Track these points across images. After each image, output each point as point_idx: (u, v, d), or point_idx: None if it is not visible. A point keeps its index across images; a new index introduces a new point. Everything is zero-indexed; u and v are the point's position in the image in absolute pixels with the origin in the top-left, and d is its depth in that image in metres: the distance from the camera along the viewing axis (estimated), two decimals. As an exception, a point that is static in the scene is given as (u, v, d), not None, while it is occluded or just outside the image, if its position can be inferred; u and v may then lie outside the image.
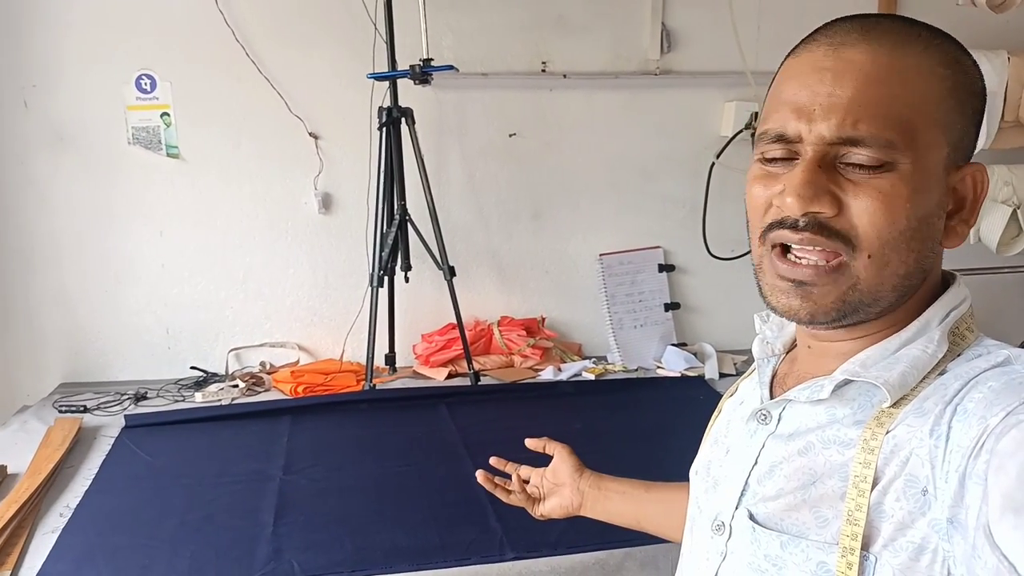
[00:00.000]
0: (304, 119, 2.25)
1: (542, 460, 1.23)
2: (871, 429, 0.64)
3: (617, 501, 1.12)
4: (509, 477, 1.22)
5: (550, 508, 1.16)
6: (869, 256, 0.63)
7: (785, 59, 0.70)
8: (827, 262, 0.64)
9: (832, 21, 0.68)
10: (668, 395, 2.22)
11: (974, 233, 2.46)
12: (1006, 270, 2.59)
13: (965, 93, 0.65)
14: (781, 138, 0.65)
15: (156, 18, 2.15)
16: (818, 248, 0.64)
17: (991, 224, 2.44)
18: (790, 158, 0.66)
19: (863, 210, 0.62)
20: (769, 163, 0.67)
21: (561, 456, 1.17)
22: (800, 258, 0.65)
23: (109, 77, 2.16)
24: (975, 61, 0.68)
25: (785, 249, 0.67)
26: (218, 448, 1.81)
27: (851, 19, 0.66)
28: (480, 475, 1.19)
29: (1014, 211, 2.40)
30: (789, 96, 0.65)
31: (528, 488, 1.19)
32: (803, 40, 0.69)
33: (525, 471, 1.24)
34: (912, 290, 0.67)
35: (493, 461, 1.24)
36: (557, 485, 1.17)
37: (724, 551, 0.74)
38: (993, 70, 2.33)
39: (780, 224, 0.66)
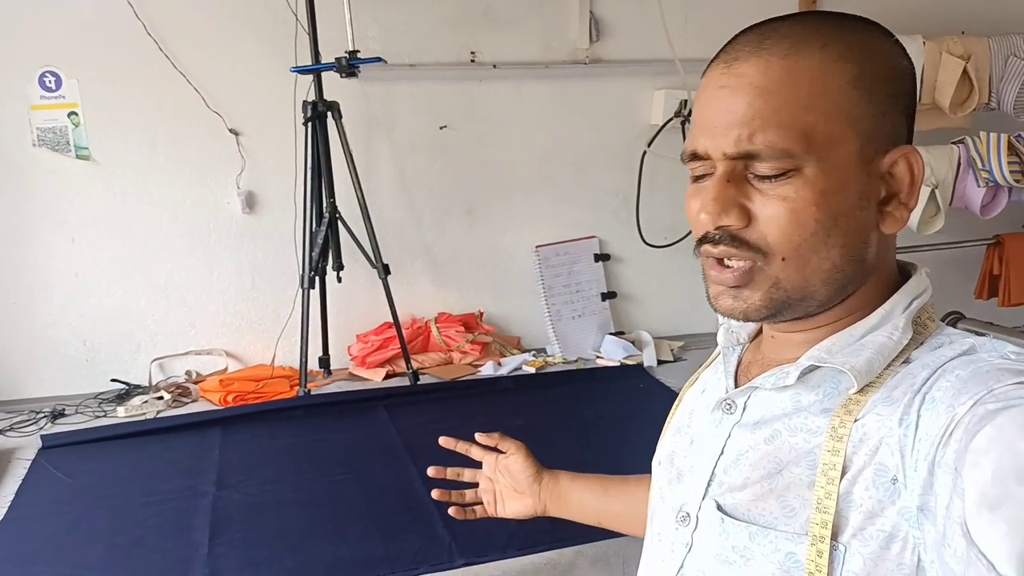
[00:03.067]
0: (223, 115, 2.16)
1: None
2: (839, 417, 0.65)
3: (579, 501, 1.13)
4: (453, 484, 1.20)
5: (513, 512, 1.15)
6: (783, 259, 0.66)
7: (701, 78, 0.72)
8: (740, 266, 0.67)
9: (735, 35, 0.70)
10: (609, 385, 2.22)
11: (896, 214, 2.54)
12: (925, 248, 2.68)
13: (875, 80, 0.65)
14: (695, 155, 0.69)
15: (60, 11, 2.02)
16: (734, 258, 0.67)
17: (912, 205, 2.52)
18: (710, 173, 0.68)
19: (770, 219, 0.65)
20: (697, 180, 0.71)
21: (517, 460, 1.15)
22: (727, 264, 0.68)
23: (9, 75, 2.02)
24: (896, 41, 0.69)
25: (712, 256, 0.70)
26: (145, 465, 1.72)
27: (751, 30, 0.68)
28: (436, 494, 1.17)
29: (932, 191, 2.48)
30: (697, 116, 0.69)
31: (482, 480, 1.18)
32: (712, 58, 0.71)
33: (468, 474, 1.22)
34: (851, 280, 0.68)
35: (431, 472, 1.21)
36: (517, 492, 1.15)
37: (689, 542, 0.74)
38: (910, 54, 2.39)
39: (704, 239, 0.69)
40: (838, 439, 0.63)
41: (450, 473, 1.21)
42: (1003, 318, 2.66)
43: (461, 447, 1.20)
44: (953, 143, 2.48)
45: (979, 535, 0.51)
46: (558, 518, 1.13)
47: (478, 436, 1.19)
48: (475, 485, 1.21)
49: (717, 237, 0.67)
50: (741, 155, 0.65)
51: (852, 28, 0.67)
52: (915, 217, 2.51)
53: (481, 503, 1.19)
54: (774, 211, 0.65)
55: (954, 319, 2.65)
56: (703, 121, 0.68)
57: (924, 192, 2.50)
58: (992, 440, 0.52)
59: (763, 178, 0.65)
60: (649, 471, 0.87)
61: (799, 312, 0.69)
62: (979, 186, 2.45)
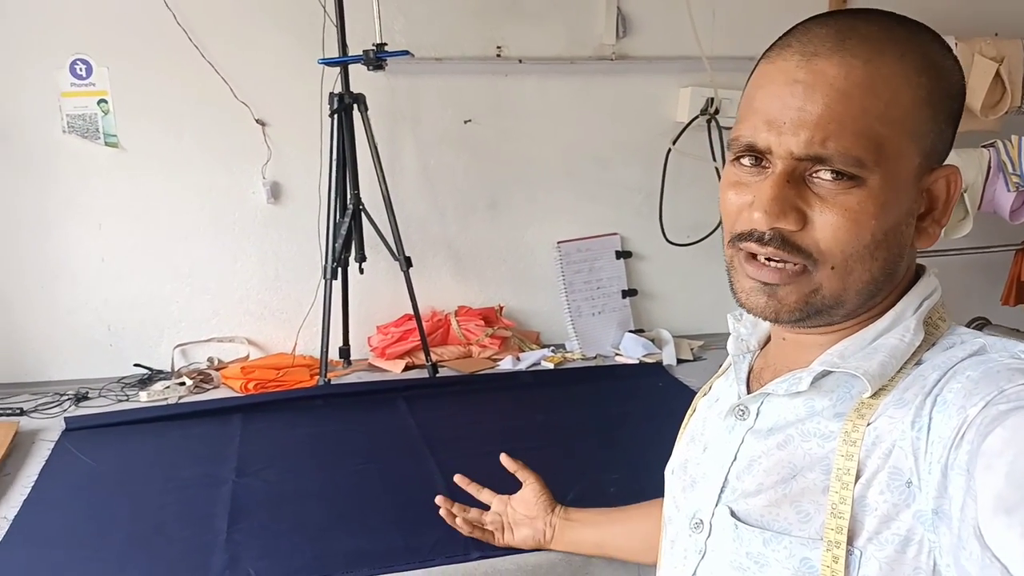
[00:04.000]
0: (250, 106, 2.17)
1: (510, 479, 1.25)
2: (852, 421, 0.64)
3: (580, 530, 1.18)
4: (471, 501, 1.25)
5: (520, 539, 1.22)
6: (832, 268, 0.64)
7: (759, 61, 0.68)
8: (791, 268, 0.65)
9: (809, 21, 0.66)
10: (627, 383, 2.21)
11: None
12: (952, 252, 2.65)
13: (941, 98, 0.65)
14: (752, 148, 0.65)
15: (91, 0, 2.04)
16: (782, 260, 0.65)
17: (939, 208, 2.48)
18: (761, 165, 0.65)
19: (828, 225, 0.63)
20: (741, 168, 0.67)
21: (533, 489, 1.21)
22: (768, 260, 0.66)
23: (41, 62, 2.04)
24: (955, 58, 0.67)
25: (754, 253, 0.67)
26: (166, 451, 1.74)
27: (828, 22, 0.64)
28: (442, 506, 1.23)
29: (961, 194, 2.45)
30: (760, 105, 0.65)
31: (490, 516, 1.24)
32: (777, 42, 0.67)
33: (488, 495, 1.27)
34: (880, 292, 0.68)
35: (457, 479, 1.27)
36: (529, 517, 1.20)
37: (703, 549, 0.74)
38: (941, 56, 2.36)
39: (749, 236, 0.66)
40: (851, 443, 0.63)
41: (472, 488, 1.27)
42: (1030, 325, 2.63)
43: (472, 488, 1.27)
44: (983, 146, 2.45)
45: (993, 538, 0.50)
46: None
47: (503, 457, 1.24)
48: (487, 507, 1.27)
49: (767, 237, 0.65)
50: (810, 157, 0.62)
51: (923, 38, 0.65)
52: (942, 221, 2.48)
53: (482, 523, 1.24)
54: (833, 219, 0.63)
55: (980, 325, 2.62)
56: (769, 114, 0.64)
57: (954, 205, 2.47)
58: (1005, 442, 0.52)
59: (826, 184, 0.63)
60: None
61: (826, 319, 0.68)
62: (1009, 190, 2.42)
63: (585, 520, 1.17)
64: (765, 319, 0.69)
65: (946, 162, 0.69)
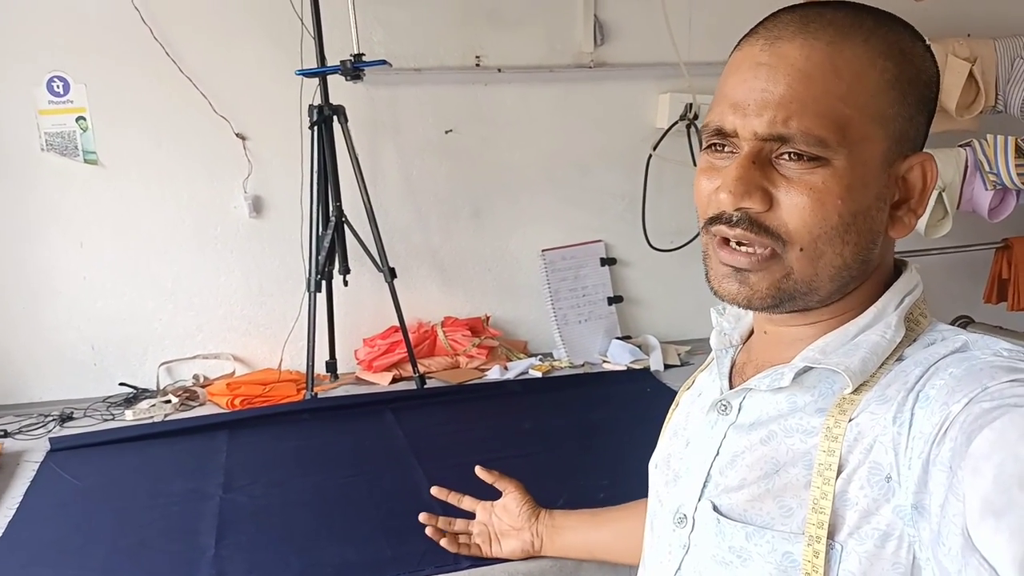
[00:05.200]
0: (230, 119, 2.16)
1: (489, 488, 1.24)
2: (833, 417, 0.64)
3: (568, 535, 1.16)
4: (455, 511, 1.24)
5: (509, 550, 1.21)
6: (801, 249, 0.64)
7: (732, 51, 0.69)
8: (761, 252, 0.66)
9: (776, 11, 0.68)
10: (615, 389, 2.21)
11: (904, 217, 2.53)
12: (934, 252, 2.67)
13: (909, 83, 0.65)
14: (720, 132, 0.67)
15: (67, 17, 2.03)
16: (752, 243, 0.66)
17: (919, 208, 2.50)
18: (729, 150, 0.67)
19: (794, 206, 0.63)
20: (713, 154, 0.68)
21: (514, 497, 1.20)
22: (739, 245, 0.67)
23: (17, 79, 2.03)
24: (927, 47, 0.68)
25: (727, 238, 0.68)
26: (152, 468, 1.72)
27: (794, 9, 0.66)
28: (425, 522, 1.23)
29: (939, 194, 2.47)
30: (728, 90, 0.66)
31: (476, 527, 1.23)
32: (748, 32, 0.69)
33: (469, 503, 1.26)
34: (854, 279, 0.68)
35: (435, 491, 1.25)
36: (514, 528, 1.19)
37: (687, 544, 0.74)
38: (916, 57, 2.40)
39: (719, 219, 0.67)
40: (833, 439, 0.63)
41: (452, 498, 1.25)
42: (1013, 322, 2.65)
43: (452, 498, 1.26)
44: (960, 146, 2.48)
45: (982, 541, 0.50)
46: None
47: (478, 470, 1.23)
48: (472, 515, 1.26)
49: (735, 219, 0.66)
50: (773, 137, 0.63)
51: (891, 26, 0.66)
52: (923, 221, 2.50)
53: (470, 534, 1.23)
54: (799, 199, 0.64)
55: (963, 323, 2.63)
56: (735, 97, 0.65)
57: (931, 195, 2.49)
58: (993, 445, 0.52)
59: (791, 165, 0.64)
60: None
61: (800, 305, 0.69)
62: (987, 189, 2.45)
63: (572, 525, 1.16)
64: (738, 305, 0.70)
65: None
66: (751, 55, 0.65)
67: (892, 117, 0.65)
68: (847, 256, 0.66)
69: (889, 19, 0.67)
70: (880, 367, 0.65)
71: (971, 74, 2.42)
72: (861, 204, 0.65)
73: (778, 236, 0.65)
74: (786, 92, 0.62)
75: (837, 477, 0.62)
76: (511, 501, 1.20)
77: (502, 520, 1.22)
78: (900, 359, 0.66)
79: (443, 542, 1.23)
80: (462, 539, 1.25)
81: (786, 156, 0.64)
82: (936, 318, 0.71)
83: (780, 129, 0.63)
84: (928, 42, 0.68)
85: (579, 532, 1.15)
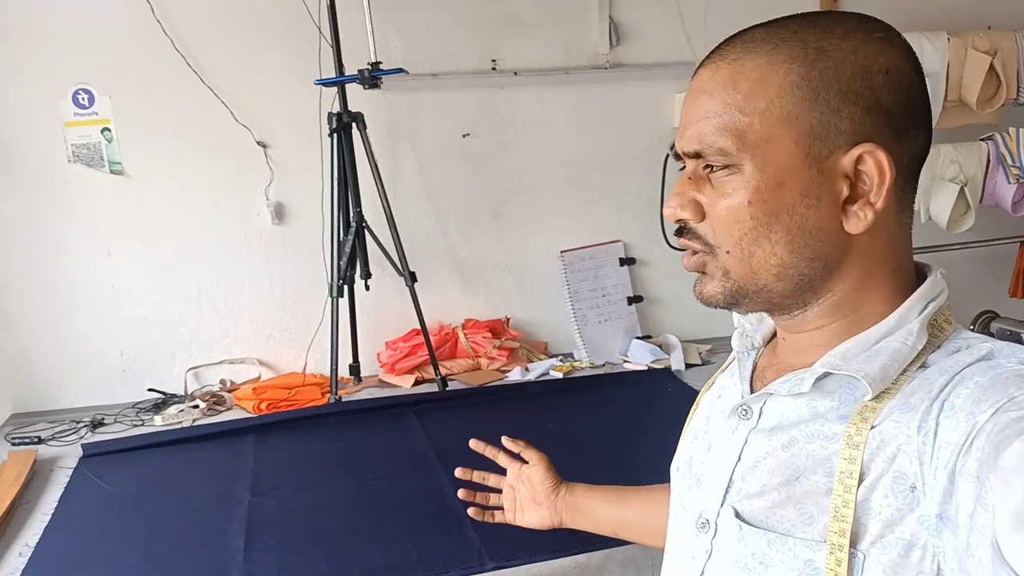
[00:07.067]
0: (251, 128, 2.20)
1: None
2: (855, 424, 0.64)
3: (592, 513, 1.15)
4: (479, 487, 1.23)
5: (531, 521, 1.18)
6: (728, 252, 0.69)
7: None
8: (699, 258, 0.72)
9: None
10: (636, 389, 2.22)
11: (924, 212, 2.51)
12: (957, 247, 2.65)
13: (824, 78, 0.65)
14: (678, 156, 0.74)
15: (91, 30, 2.08)
16: (693, 250, 0.72)
17: (940, 203, 2.49)
18: (683, 168, 0.74)
19: (715, 213, 0.69)
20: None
21: (538, 471, 1.18)
22: (693, 253, 0.73)
23: (43, 93, 2.08)
24: (880, 38, 0.66)
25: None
26: (181, 473, 1.76)
27: (743, 31, 0.71)
28: (462, 493, 1.21)
29: (961, 188, 2.45)
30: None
31: (505, 488, 1.22)
32: None
33: (494, 480, 1.24)
34: (811, 277, 0.68)
35: (459, 473, 1.25)
36: (535, 503, 1.18)
37: (709, 549, 0.74)
38: (935, 51, 2.38)
39: (677, 231, 0.74)
40: (854, 447, 0.63)
41: (476, 476, 1.25)
42: (1037, 316, 2.62)
43: (490, 452, 1.24)
44: (982, 139, 2.45)
45: (1013, 555, 0.50)
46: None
47: (504, 440, 1.22)
48: (499, 491, 1.24)
49: (678, 229, 0.73)
50: (692, 154, 0.69)
51: (820, 28, 0.66)
52: (944, 216, 2.48)
53: (502, 508, 1.21)
54: (718, 206, 0.69)
55: (988, 318, 2.60)
56: (680, 122, 0.74)
57: (953, 190, 2.47)
58: (1022, 456, 0.52)
59: (714, 176, 0.69)
60: None
61: (761, 302, 0.71)
62: (1009, 183, 2.42)
63: (594, 505, 1.13)
64: (705, 304, 0.75)
65: (928, 153, 0.69)
66: (689, 85, 0.73)
67: (801, 114, 0.65)
68: (781, 254, 0.67)
69: (830, 19, 0.67)
70: (903, 374, 0.65)
71: (991, 67, 2.40)
72: (780, 203, 0.66)
73: (707, 242, 0.70)
74: (694, 111, 0.69)
75: (859, 485, 0.62)
76: (535, 473, 1.18)
77: (525, 492, 1.21)
78: (924, 366, 0.65)
79: (471, 511, 1.22)
80: (487, 513, 1.24)
81: (709, 169, 0.69)
82: (960, 313, 0.70)
83: (694, 146, 0.69)
84: (946, 41, 0.69)
85: (604, 509, 1.13)
